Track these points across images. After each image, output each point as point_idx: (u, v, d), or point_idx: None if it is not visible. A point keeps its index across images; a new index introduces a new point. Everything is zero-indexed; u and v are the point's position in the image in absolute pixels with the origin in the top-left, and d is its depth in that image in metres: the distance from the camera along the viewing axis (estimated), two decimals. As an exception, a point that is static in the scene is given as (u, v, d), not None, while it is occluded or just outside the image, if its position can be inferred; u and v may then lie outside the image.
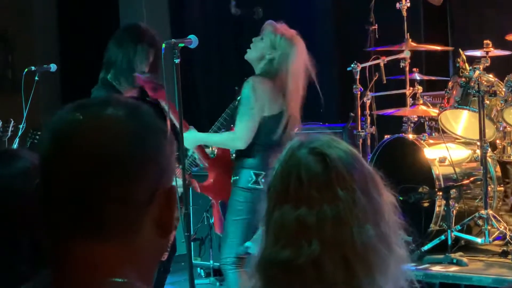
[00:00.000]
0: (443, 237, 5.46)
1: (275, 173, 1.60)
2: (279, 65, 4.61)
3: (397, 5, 6.19)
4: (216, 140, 4.81)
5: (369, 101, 6.22)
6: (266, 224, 1.58)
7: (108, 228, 1.20)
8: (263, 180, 4.38)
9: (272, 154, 4.39)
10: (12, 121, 6.02)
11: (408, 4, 6.18)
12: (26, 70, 5.77)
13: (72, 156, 1.19)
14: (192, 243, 6.24)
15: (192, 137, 4.66)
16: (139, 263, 1.23)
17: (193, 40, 4.47)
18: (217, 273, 6.59)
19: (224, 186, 4.75)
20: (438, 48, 6.37)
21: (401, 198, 5.60)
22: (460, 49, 5.79)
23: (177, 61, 4.34)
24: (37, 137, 5.96)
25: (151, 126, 1.26)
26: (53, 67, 5.77)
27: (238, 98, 4.69)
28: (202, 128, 4.96)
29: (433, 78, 6.49)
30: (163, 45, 4.34)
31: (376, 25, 6.47)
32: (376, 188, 1.59)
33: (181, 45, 4.40)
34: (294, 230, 1.53)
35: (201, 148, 4.88)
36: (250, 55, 4.75)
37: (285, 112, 4.60)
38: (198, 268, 6.76)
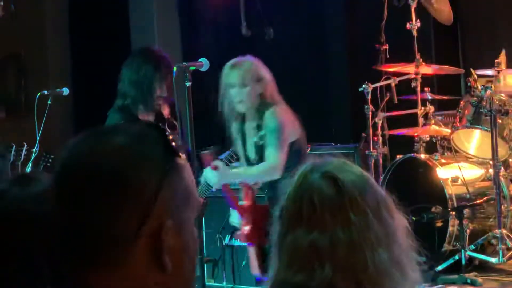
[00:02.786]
0: (457, 257, 5.44)
1: (288, 196, 1.61)
2: (269, 91, 4.63)
3: (408, 25, 6.20)
4: (251, 173, 4.64)
5: (381, 121, 6.22)
6: (279, 248, 1.58)
7: (99, 261, 1.20)
8: None
9: None
10: (26, 145, 6.04)
11: (419, 24, 6.19)
12: (39, 94, 5.81)
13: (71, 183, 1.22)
14: (205, 264, 6.23)
15: (221, 175, 4.48)
16: None
17: (204, 63, 4.49)
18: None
19: (261, 229, 4.59)
20: (449, 68, 6.36)
21: (414, 219, 5.60)
22: (471, 69, 5.79)
23: (188, 84, 4.36)
24: (50, 160, 5.98)
25: (151, 156, 1.24)
26: (65, 91, 5.80)
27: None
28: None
29: (444, 97, 6.49)
30: (175, 68, 4.37)
31: (387, 45, 6.49)
32: (388, 212, 1.59)
33: (193, 68, 4.42)
34: (307, 254, 1.53)
35: (228, 187, 4.75)
36: (245, 106, 4.65)
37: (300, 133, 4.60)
38: (212, 290, 6.74)
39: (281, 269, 1.56)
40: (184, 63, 4.45)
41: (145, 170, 1.22)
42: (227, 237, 6.55)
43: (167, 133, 1.29)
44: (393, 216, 1.59)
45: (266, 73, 4.67)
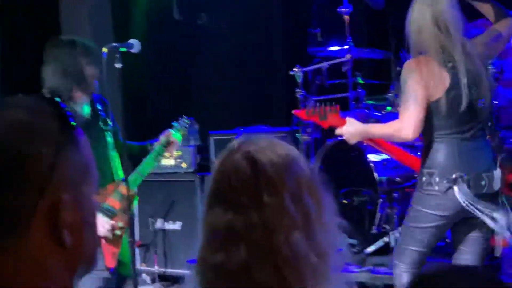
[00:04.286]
0: (386, 239, 5.51)
1: (212, 174, 1.60)
2: None
3: (339, 9, 6.24)
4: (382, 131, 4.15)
5: (313, 104, 6.25)
6: (202, 226, 1.57)
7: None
8: (437, 179, 3.85)
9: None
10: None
11: (350, 9, 6.24)
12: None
13: None
14: (136, 249, 6.20)
15: (354, 130, 4.11)
16: (40, 273, 1.20)
17: (134, 45, 4.43)
18: (163, 278, 6.56)
19: None
20: (380, 52, 6.43)
21: (345, 202, 5.67)
22: (400, 53, 5.85)
23: (118, 65, 4.31)
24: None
25: (39, 131, 1.22)
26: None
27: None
28: (147, 135, 4.88)
29: (375, 82, 6.56)
30: (105, 50, 4.29)
31: (319, 29, 6.52)
32: (312, 194, 1.56)
33: (123, 49, 4.36)
34: (223, 234, 1.51)
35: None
36: None
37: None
38: (144, 274, 6.71)
39: (202, 248, 1.55)
40: (114, 44, 4.38)
41: (39, 143, 1.20)
42: (159, 221, 6.53)
43: (63, 106, 1.27)
44: (317, 198, 1.56)
45: None
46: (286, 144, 1.62)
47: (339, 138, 5.84)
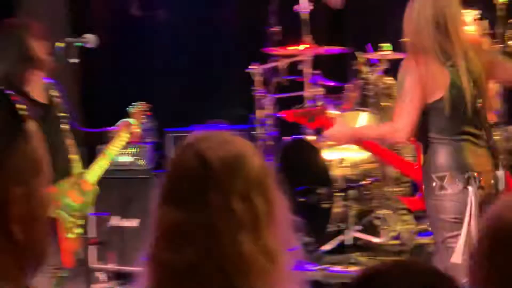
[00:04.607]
0: (342, 237, 5.54)
1: (164, 172, 1.57)
2: None
3: (297, 7, 6.23)
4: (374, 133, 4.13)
5: (270, 102, 6.25)
6: (151, 223, 1.54)
7: None
8: (449, 181, 3.71)
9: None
10: None
11: (309, 8, 6.23)
12: None
13: None
14: (90, 246, 6.13)
15: (344, 131, 4.03)
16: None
17: (90, 39, 4.37)
18: (119, 276, 6.50)
19: None
20: (337, 50, 6.45)
21: (300, 200, 5.67)
22: (358, 52, 5.89)
23: (74, 61, 4.25)
24: None
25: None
26: None
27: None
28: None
29: (333, 80, 6.57)
30: (61, 45, 4.23)
31: (277, 27, 6.50)
32: (263, 193, 1.52)
33: (79, 44, 4.30)
34: (171, 232, 1.49)
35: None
36: None
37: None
38: (98, 272, 6.64)
39: (152, 245, 1.52)
40: (69, 38, 4.32)
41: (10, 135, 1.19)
42: (115, 219, 6.47)
43: (13, 98, 1.24)
44: (268, 198, 1.52)
45: None
46: (240, 141, 1.58)
47: (296, 136, 5.88)
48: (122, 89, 7.67)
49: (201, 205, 1.48)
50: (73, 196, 4.17)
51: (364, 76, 5.72)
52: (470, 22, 5.01)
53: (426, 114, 3.73)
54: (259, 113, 6.22)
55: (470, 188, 3.67)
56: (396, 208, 5.64)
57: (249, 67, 6.19)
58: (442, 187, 3.70)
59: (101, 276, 6.65)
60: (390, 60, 5.83)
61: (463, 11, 4.05)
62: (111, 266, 6.52)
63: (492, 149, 3.85)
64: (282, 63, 6.22)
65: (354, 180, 5.76)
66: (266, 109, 6.25)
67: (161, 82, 7.84)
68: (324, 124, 4.08)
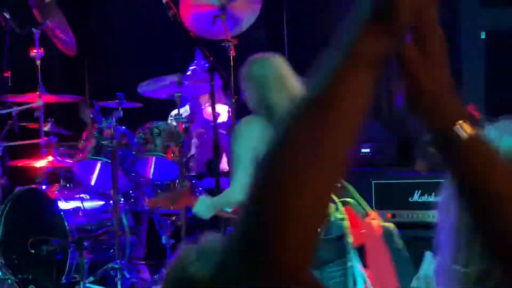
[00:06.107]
0: (74, 289, 5.41)
1: None
2: None
3: (31, 53, 6.07)
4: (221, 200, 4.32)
5: (1, 151, 6.00)
6: None
7: None
8: None
9: None
10: None
11: (42, 53, 6.08)
12: None
13: None
14: None
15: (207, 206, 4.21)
16: None
17: None
18: None
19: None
20: (72, 99, 6.36)
21: (32, 251, 5.48)
22: (93, 100, 5.83)
23: None
24: None
25: None
26: None
27: None
28: None
29: (68, 129, 6.45)
30: None
31: (9, 71, 6.28)
32: None
33: None
34: None
35: None
36: None
37: None
38: None
39: None
40: None
41: None
42: None
43: None
44: None
45: None
46: None
47: (30, 186, 5.69)
48: None
49: None
50: None
51: (100, 124, 5.67)
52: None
53: None
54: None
55: None
56: (131, 258, 5.61)
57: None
58: None
59: None
60: (124, 109, 5.82)
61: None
62: None
63: None
64: (15, 110, 5.99)
65: (90, 230, 5.67)
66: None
67: None
68: (188, 203, 4.31)
